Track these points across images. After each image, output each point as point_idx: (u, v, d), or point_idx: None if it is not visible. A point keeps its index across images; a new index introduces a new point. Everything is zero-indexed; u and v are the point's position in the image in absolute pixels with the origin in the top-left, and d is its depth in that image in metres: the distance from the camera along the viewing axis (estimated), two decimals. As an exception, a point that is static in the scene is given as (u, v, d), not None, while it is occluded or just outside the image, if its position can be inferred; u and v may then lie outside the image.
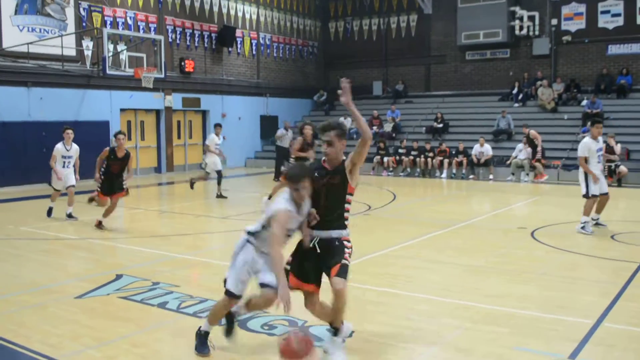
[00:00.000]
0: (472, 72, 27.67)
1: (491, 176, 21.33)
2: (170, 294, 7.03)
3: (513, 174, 20.99)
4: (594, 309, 6.43)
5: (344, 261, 5.00)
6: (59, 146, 12.75)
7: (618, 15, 24.38)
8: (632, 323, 6.10)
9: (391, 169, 23.46)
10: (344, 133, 5.17)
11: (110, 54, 20.21)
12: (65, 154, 12.75)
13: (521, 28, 25.94)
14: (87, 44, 20.95)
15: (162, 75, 21.18)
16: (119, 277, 7.85)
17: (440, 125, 25.11)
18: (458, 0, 26.85)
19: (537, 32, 25.83)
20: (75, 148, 12.87)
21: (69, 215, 12.78)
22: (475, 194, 18.48)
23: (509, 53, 26.70)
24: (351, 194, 5.16)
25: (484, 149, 21.71)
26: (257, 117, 27.88)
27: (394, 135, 25.49)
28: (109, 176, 11.36)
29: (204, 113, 25.81)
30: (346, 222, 5.18)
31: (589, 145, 11.03)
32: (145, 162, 23.39)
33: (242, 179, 22.88)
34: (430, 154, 22.73)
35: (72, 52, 20.40)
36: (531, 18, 25.81)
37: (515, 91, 25.68)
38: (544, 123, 23.69)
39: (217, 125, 17.10)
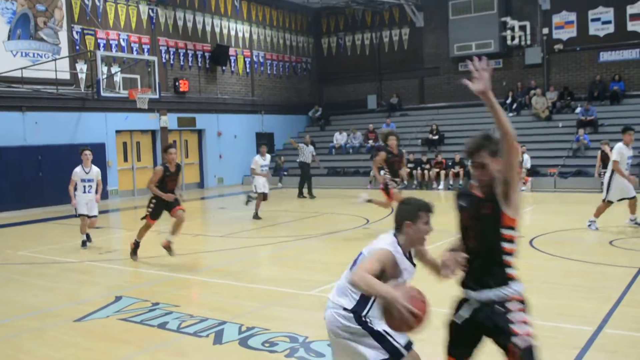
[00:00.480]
0: (465, 83, 27.71)
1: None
2: (170, 314, 7.01)
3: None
4: (594, 315, 6.42)
5: (516, 340, 3.59)
6: (78, 170, 11.90)
7: (608, 22, 24.54)
8: (633, 328, 6.09)
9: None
10: (497, 148, 3.70)
11: (104, 76, 20.26)
12: (85, 178, 11.91)
13: (513, 38, 26.08)
14: (81, 67, 21.01)
15: (157, 96, 21.25)
16: (118, 298, 7.83)
17: (436, 137, 25.16)
18: (449, 13, 27.01)
19: (529, 42, 25.97)
20: (95, 170, 12.05)
21: (83, 243, 12.00)
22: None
23: (502, 63, 26.82)
24: (512, 229, 3.68)
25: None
26: (252, 135, 27.93)
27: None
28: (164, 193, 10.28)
29: (200, 132, 25.86)
30: (511, 272, 3.78)
31: (622, 151, 11.59)
32: (142, 183, 23.32)
33: (240, 197, 22.83)
34: (427, 166, 22.76)
35: (66, 76, 20.45)
36: (522, 28, 25.96)
37: (509, 101, 25.76)
38: (539, 132, 23.78)
39: (262, 145, 16.46)
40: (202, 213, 18.43)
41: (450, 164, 22.57)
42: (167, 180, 10.34)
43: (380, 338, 3.76)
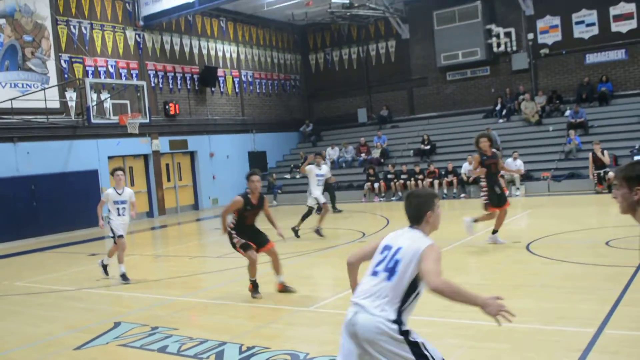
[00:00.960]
0: (454, 92, 27.91)
1: (482, 194, 21.36)
2: (170, 338, 6.97)
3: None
4: (594, 317, 6.42)
5: None
6: (110, 192, 11.13)
7: (592, 24, 24.73)
8: (634, 328, 6.10)
9: (382, 194, 23.51)
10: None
11: (94, 103, 20.28)
12: (118, 199, 11.10)
13: (499, 45, 26.24)
14: (71, 95, 21.03)
15: (147, 120, 21.27)
16: (117, 324, 7.79)
17: (428, 147, 25.23)
18: (434, 23, 27.17)
19: (514, 48, 26.14)
20: (128, 192, 11.33)
21: (124, 277, 10.78)
22: (468, 212, 18.46)
23: (489, 70, 26.97)
24: None
25: (472, 167, 21.79)
26: (245, 154, 27.94)
27: (382, 160, 25.59)
28: (244, 230, 8.81)
29: (192, 154, 25.87)
30: None
31: None
32: (136, 208, 23.29)
33: (235, 217, 22.81)
34: (420, 176, 22.80)
35: (56, 105, 20.47)
36: (508, 34, 26.13)
37: (498, 107, 25.90)
38: (530, 136, 23.89)
39: (317, 155, 15.46)
40: (198, 235, 18.38)
41: (443, 173, 22.62)
42: (247, 214, 8.80)
43: (418, 352, 3.70)
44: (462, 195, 21.84)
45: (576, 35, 25.06)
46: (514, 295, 7.75)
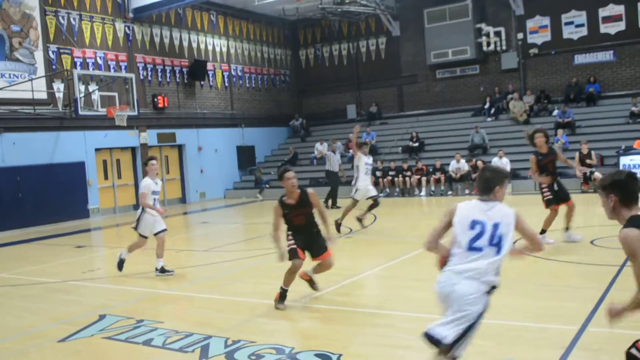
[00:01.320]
0: (443, 90, 27.98)
1: (467, 191, 21.50)
2: (155, 331, 6.95)
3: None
4: (578, 315, 6.47)
5: None
6: (148, 181, 10.21)
7: (582, 25, 24.87)
8: (617, 326, 6.13)
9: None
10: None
11: (82, 94, 20.14)
12: (155, 189, 10.29)
13: (488, 44, 26.33)
14: (58, 86, 20.89)
15: (136, 113, 21.13)
16: (102, 317, 7.76)
17: (416, 144, 25.29)
18: (425, 21, 27.22)
19: (504, 47, 26.23)
20: (160, 183, 10.56)
21: (162, 270, 10.28)
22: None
23: (479, 69, 27.06)
24: None
25: (460, 165, 21.90)
26: (233, 148, 27.89)
27: (372, 156, 25.56)
28: (296, 233, 7.72)
29: (180, 147, 25.77)
30: None
31: None
32: (123, 200, 23.23)
33: (222, 210, 22.80)
34: (408, 173, 22.84)
35: (43, 95, 20.32)
36: (497, 34, 26.22)
37: (487, 106, 26.00)
38: (518, 135, 23.91)
39: (363, 145, 14.47)
40: (185, 228, 18.34)
41: (431, 170, 22.68)
42: (290, 217, 7.64)
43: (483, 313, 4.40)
44: (450, 192, 21.92)
45: (565, 35, 25.19)
46: (500, 292, 7.75)
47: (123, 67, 23.18)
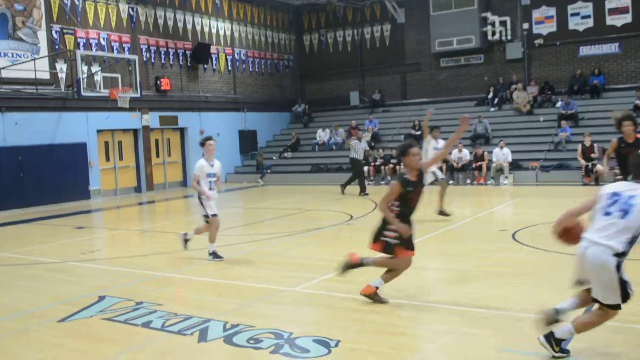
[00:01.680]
0: (447, 78, 27.89)
1: (468, 180, 21.51)
2: (154, 313, 6.97)
3: (493, 177, 21.16)
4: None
5: None
6: (202, 162, 9.94)
7: (588, 17, 24.75)
8: (616, 320, 6.14)
9: (372, 177, 23.52)
10: None
11: (85, 75, 20.11)
12: (210, 172, 10.00)
13: (493, 33, 26.22)
14: (61, 67, 20.83)
15: (138, 95, 21.12)
16: (101, 298, 7.78)
17: (418, 132, 25.18)
18: (430, 9, 27.10)
19: (509, 37, 26.12)
20: (218, 164, 10.24)
21: (215, 254, 10.05)
22: (456, 198, 18.54)
23: (483, 58, 26.97)
24: None
25: (462, 154, 21.88)
26: (235, 133, 27.86)
27: (372, 144, 25.58)
28: (405, 218, 6.97)
29: (182, 130, 25.75)
30: None
31: None
32: (124, 182, 23.25)
33: (223, 195, 22.77)
34: (410, 162, 22.75)
35: (45, 75, 20.27)
36: (503, 23, 26.10)
37: (490, 96, 25.95)
38: (521, 126, 23.96)
39: (435, 129, 14.24)
40: (186, 212, 18.36)
41: (433, 159, 22.62)
42: (410, 196, 6.88)
43: (623, 284, 4.83)
44: (451, 181, 21.88)
45: (571, 26, 25.07)
46: (498, 283, 7.82)
47: (126, 49, 23.10)
